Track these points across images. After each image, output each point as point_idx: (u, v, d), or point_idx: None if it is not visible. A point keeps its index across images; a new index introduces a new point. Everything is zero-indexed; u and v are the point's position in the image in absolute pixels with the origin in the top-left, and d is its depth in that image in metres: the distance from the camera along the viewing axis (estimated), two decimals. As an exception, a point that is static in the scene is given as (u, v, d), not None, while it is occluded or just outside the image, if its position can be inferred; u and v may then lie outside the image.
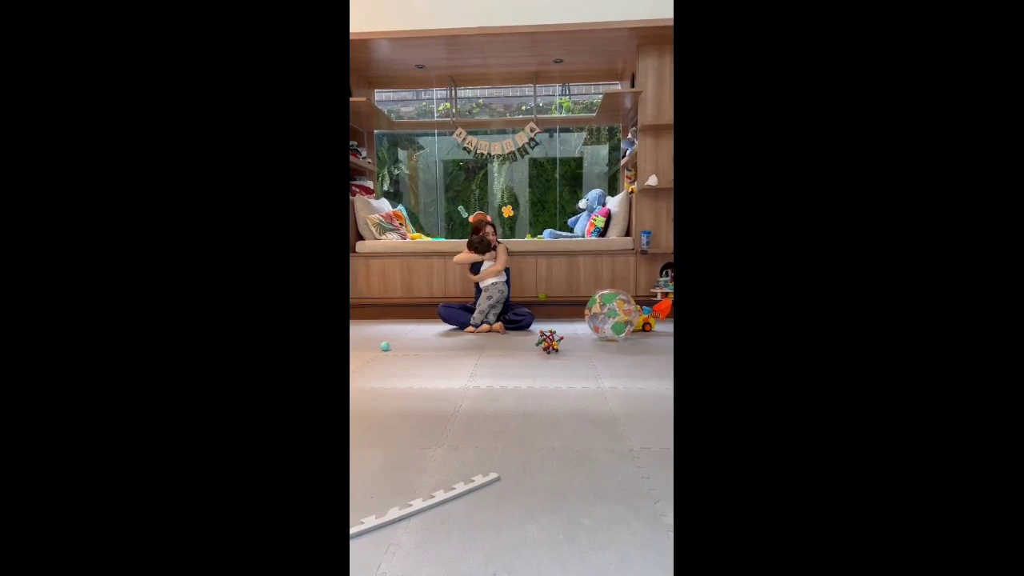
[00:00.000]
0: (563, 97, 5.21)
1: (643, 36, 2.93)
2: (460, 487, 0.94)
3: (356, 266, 3.24)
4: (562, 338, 2.18)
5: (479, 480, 0.97)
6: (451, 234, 5.55)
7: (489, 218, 2.85)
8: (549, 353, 2.06)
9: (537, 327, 2.59)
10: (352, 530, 0.80)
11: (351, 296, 3.22)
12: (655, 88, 3.00)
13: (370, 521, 0.82)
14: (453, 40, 3.04)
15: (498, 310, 2.67)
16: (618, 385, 1.62)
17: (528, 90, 3.92)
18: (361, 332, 2.68)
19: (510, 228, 5.38)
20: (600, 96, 3.34)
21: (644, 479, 0.97)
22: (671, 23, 2.77)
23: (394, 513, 0.85)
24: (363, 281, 3.24)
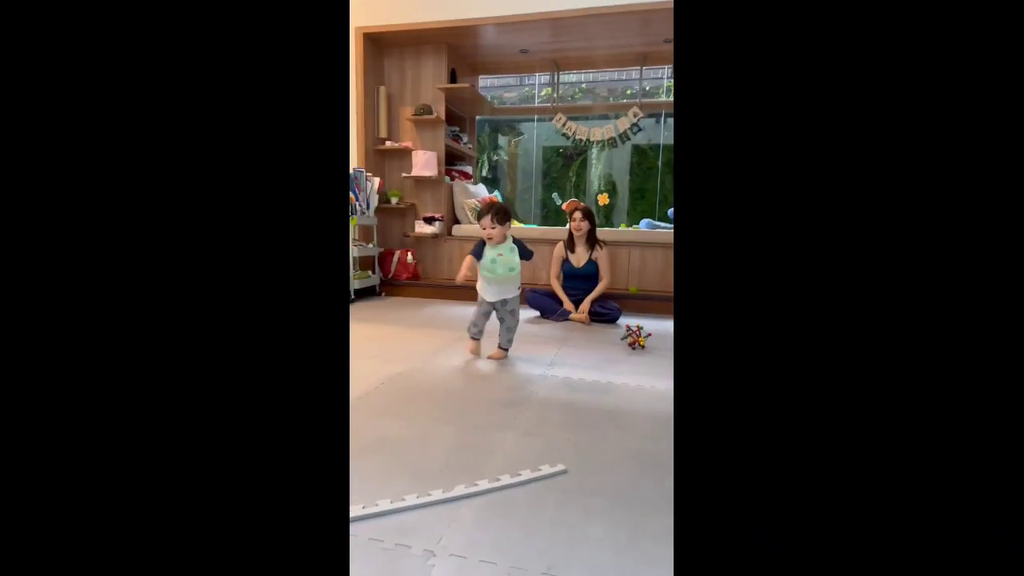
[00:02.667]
0: (672, 80, 4.90)
1: (768, 9, 2.65)
2: (526, 474, 0.94)
3: (451, 248, 3.37)
4: (649, 335, 2.08)
5: (546, 470, 0.96)
6: (544, 221, 5.55)
7: (583, 205, 2.79)
8: (634, 349, 1.99)
9: (624, 321, 2.50)
10: (419, 500, 0.84)
11: (443, 276, 3.36)
12: (778, 67, 2.70)
13: (437, 494, 0.86)
14: (558, 23, 2.98)
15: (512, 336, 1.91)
16: (706, 390, 1.51)
17: (634, 73, 3.74)
18: (448, 312, 2.79)
19: (606, 217, 5.24)
20: (713, 77, 3.08)
21: (723, 495, 0.90)
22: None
23: (460, 490, 0.88)
24: (457, 263, 3.37)
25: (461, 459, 1.01)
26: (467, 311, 2.81)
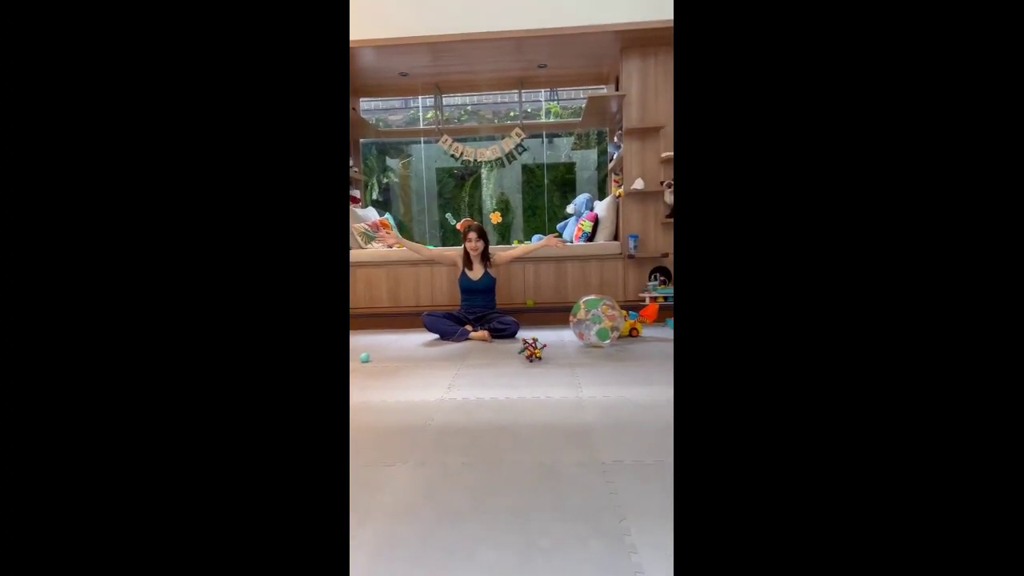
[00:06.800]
0: (551, 102, 5.20)
1: (627, 39, 2.92)
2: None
3: (342, 276, 3.20)
4: (545, 346, 2.14)
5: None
6: (443, 241, 5.52)
7: (476, 224, 2.81)
8: (532, 361, 2.02)
9: (523, 334, 2.55)
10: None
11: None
12: (639, 91, 2.98)
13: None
14: (436, 47, 3.02)
15: None
16: (598, 394, 1.58)
17: (515, 96, 3.90)
18: (345, 343, 2.63)
19: (501, 235, 5.35)
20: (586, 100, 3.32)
21: (611, 494, 0.93)
22: (654, 25, 2.75)
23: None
24: (349, 291, 3.20)
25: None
26: (364, 341, 2.67)
